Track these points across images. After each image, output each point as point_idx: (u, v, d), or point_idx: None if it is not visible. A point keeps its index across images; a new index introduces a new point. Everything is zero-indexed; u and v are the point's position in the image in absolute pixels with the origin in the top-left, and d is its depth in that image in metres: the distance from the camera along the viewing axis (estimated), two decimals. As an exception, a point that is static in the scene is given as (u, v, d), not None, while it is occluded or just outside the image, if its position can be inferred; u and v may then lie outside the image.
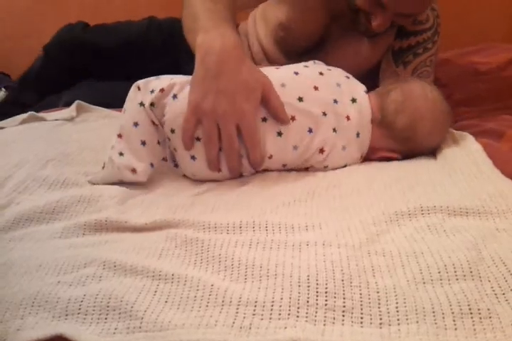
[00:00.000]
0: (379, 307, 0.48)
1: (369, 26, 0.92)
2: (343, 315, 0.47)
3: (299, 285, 0.49)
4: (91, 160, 0.81)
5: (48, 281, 0.53)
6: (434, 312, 0.46)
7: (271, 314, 0.47)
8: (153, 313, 0.47)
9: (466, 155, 0.77)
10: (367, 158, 0.84)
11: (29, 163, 0.78)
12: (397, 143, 0.82)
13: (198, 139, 0.73)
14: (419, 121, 0.81)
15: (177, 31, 0.93)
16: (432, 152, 0.84)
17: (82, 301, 0.49)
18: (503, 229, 0.57)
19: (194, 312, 0.48)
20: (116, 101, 0.90)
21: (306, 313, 0.47)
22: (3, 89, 1.58)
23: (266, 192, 0.72)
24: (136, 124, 0.75)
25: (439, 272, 0.51)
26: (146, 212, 0.66)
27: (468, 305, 0.46)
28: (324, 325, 0.46)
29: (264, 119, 0.74)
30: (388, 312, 0.47)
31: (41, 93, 1.28)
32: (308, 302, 0.48)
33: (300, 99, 0.76)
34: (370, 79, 0.88)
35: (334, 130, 0.78)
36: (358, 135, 0.80)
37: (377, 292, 0.49)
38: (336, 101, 0.78)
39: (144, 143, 0.75)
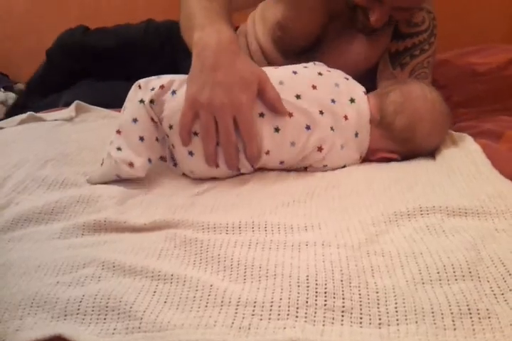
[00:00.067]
0: (378, 308, 0.48)
1: (367, 22, 0.92)
2: (343, 315, 0.47)
3: (298, 286, 0.50)
4: (90, 161, 0.81)
5: (47, 282, 0.53)
6: (433, 312, 0.46)
7: (270, 314, 0.47)
8: (152, 313, 0.47)
9: (465, 155, 0.77)
10: (366, 159, 0.84)
11: (28, 163, 0.78)
12: (397, 144, 0.82)
13: (196, 134, 0.74)
14: (419, 122, 0.81)
15: (175, 33, 0.95)
16: (431, 153, 0.84)
17: (81, 301, 0.49)
18: (502, 230, 0.57)
19: (193, 313, 0.48)
20: (116, 101, 0.90)
21: (306, 313, 0.47)
22: (1, 89, 1.58)
23: (265, 192, 0.72)
24: (135, 120, 0.75)
25: (438, 272, 0.51)
26: (146, 212, 0.66)
27: (467, 306, 0.47)
28: (323, 325, 0.46)
29: (262, 115, 0.75)
30: (387, 313, 0.47)
31: (46, 96, 1.31)
32: (307, 302, 0.48)
33: (298, 97, 0.77)
34: (368, 80, 0.88)
35: (332, 129, 0.78)
36: (356, 135, 0.80)
37: (377, 292, 0.49)
38: (333, 101, 0.79)
39: (142, 138, 0.75)
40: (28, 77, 1.41)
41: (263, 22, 1.10)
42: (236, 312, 0.47)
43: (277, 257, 0.54)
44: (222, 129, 0.72)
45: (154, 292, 0.50)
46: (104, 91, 1.21)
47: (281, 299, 0.48)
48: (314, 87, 0.79)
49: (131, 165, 0.73)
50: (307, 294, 0.49)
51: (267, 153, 0.76)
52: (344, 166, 0.81)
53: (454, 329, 0.45)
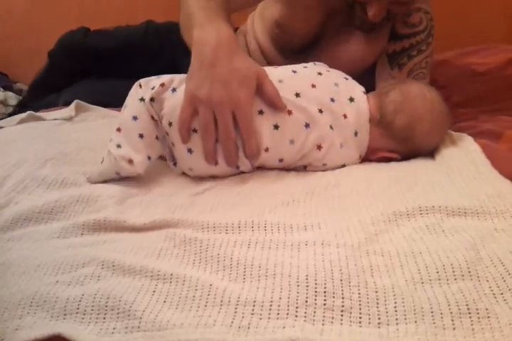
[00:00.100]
0: (377, 307, 0.48)
1: (365, 18, 0.92)
2: (342, 315, 0.47)
3: (298, 285, 0.50)
4: (90, 160, 0.81)
5: (47, 281, 0.53)
6: (432, 312, 0.46)
7: (269, 313, 0.47)
8: (151, 313, 0.47)
9: (465, 155, 0.77)
10: (366, 158, 0.84)
11: (28, 162, 0.78)
12: (396, 143, 0.82)
13: (195, 131, 0.74)
14: (418, 122, 0.81)
15: (174, 34, 0.96)
16: (431, 153, 0.84)
17: (80, 301, 0.49)
18: (502, 230, 0.57)
19: (193, 312, 0.48)
20: (116, 100, 0.90)
21: (305, 313, 0.47)
22: (1, 88, 1.58)
23: (265, 191, 0.72)
24: (135, 118, 0.75)
25: (438, 272, 0.51)
26: (145, 212, 0.66)
27: (467, 305, 0.47)
28: (323, 324, 0.46)
29: (261, 112, 0.75)
30: (387, 312, 0.47)
31: (48, 97, 1.33)
32: (306, 301, 0.48)
33: (297, 95, 0.77)
34: (365, 82, 0.88)
35: (331, 127, 0.78)
36: (355, 134, 0.80)
37: (376, 292, 0.49)
38: (332, 100, 0.79)
39: (141, 136, 0.75)
40: (27, 77, 1.42)
41: (262, 21, 1.11)
42: (235, 312, 0.47)
43: (277, 257, 0.54)
44: (222, 125, 0.72)
45: (154, 291, 0.50)
46: (104, 90, 1.22)
47: (280, 298, 0.48)
48: (314, 86, 0.79)
49: (130, 161, 0.73)
50: (307, 293, 0.49)
51: (266, 150, 0.76)
52: (344, 165, 0.81)
53: (454, 328, 0.45)
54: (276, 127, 0.75)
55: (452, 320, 0.45)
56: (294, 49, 1.06)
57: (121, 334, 0.46)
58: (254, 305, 0.48)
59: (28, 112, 1.03)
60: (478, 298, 0.47)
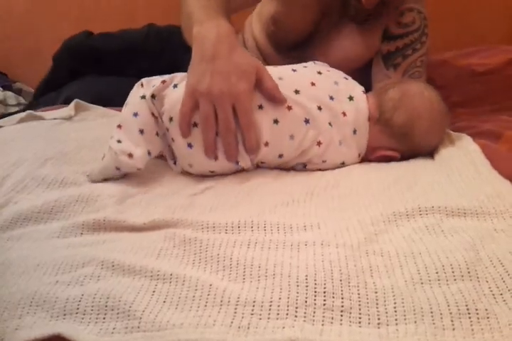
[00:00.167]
0: (377, 307, 0.48)
1: (359, 5, 0.93)
2: (342, 315, 0.47)
3: (298, 285, 0.50)
4: (89, 159, 0.81)
5: (46, 281, 0.52)
6: (432, 312, 0.46)
7: (269, 314, 0.47)
8: (151, 313, 0.47)
9: (464, 155, 0.77)
10: (366, 158, 0.84)
11: (27, 161, 0.78)
12: (396, 141, 0.83)
13: (195, 125, 0.74)
14: (417, 119, 0.82)
15: (175, 37, 0.99)
16: (430, 153, 0.84)
17: (80, 301, 0.49)
18: (501, 230, 0.57)
19: (192, 312, 0.48)
20: (117, 97, 0.90)
21: (305, 313, 0.47)
22: (0, 88, 1.59)
23: (264, 192, 0.72)
24: (135, 114, 0.76)
25: (437, 272, 0.51)
26: (145, 212, 0.66)
27: (466, 306, 0.47)
28: (322, 324, 0.46)
29: (261, 107, 0.75)
30: (386, 312, 0.47)
31: None
32: (306, 302, 0.48)
33: (296, 92, 0.77)
34: (362, 80, 0.89)
35: (330, 124, 0.78)
36: (354, 132, 0.81)
37: (376, 292, 0.49)
38: (332, 98, 0.79)
39: (142, 131, 0.75)
40: (27, 77, 1.42)
41: (259, 18, 1.12)
42: (235, 312, 0.47)
43: (276, 257, 0.54)
44: (222, 117, 0.72)
45: (153, 291, 0.50)
46: (106, 87, 1.23)
47: (280, 298, 0.48)
48: (313, 84, 0.79)
49: (130, 156, 0.73)
50: (306, 294, 0.49)
51: (266, 144, 0.76)
52: (343, 164, 0.81)
53: (453, 329, 0.45)
54: (276, 122, 0.75)
55: (452, 321, 0.45)
56: (289, 45, 1.07)
57: (121, 334, 0.46)
58: (253, 305, 0.48)
59: (28, 111, 1.03)
60: (478, 298, 0.47)
